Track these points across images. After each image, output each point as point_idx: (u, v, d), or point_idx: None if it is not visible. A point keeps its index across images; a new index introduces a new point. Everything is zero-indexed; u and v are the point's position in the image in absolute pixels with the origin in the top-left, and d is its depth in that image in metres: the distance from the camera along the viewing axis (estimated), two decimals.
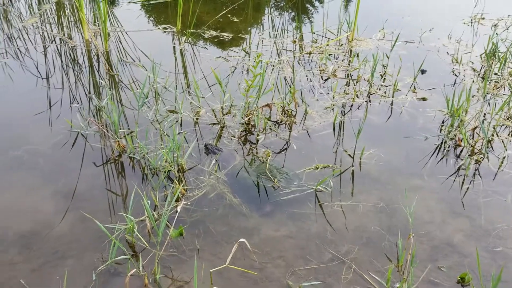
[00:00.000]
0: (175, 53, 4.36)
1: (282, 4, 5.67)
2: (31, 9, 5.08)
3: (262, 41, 4.57)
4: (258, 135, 3.27)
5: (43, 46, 4.35)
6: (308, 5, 5.65)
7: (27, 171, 2.84)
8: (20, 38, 4.46)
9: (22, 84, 3.76)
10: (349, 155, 3.11)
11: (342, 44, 4.55)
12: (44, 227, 2.47)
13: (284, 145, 3.19)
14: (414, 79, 3.98)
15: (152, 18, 5.19)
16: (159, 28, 4.81)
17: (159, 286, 2.19)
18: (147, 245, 2.37)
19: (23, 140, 3.08)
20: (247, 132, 3.30)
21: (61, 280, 2.15)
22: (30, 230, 2.45)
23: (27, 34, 4.54)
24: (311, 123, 3.41)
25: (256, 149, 3.15)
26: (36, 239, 2.40)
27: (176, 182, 2.78)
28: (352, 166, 3.01)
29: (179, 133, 3.18)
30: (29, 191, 2.70)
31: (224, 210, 2.64)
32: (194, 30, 4.66)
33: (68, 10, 5.08)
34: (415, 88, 3.89)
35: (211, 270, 2.22)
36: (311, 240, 2.47)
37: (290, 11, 5.42)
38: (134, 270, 2.18)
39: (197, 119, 3.40)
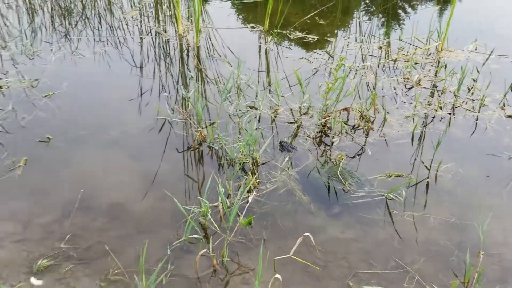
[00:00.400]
0: (260, 52, 4.52)
1: (372, 9, 5.62)
2: (132, 3, 5.50)
3: (348, 45, 4.59)
4: (333, 137, 3.31)
5: (140, 37, 4.71)
6: (399, 11, 5.55)
7: (119, 150, 3.12)
8: (120, 29, 4.86)
9: (118, 71, 4.11)
10: (426, 166, 3.05)
11: (430, 54, 4.43)
12: (129, 202, 2.71)
13: (359, 150, 3.20)
14: (504, 95, 3.78)
15: (241, 17, 5.40)
16: (247, 27, 5.00)
17: (225, 269, 2.34)
18: (218, 229, 2.52)
19: (118, 122, 3.39)
20: (322, 134, 3.35)
21: (140, 250, 2.36)
22: (117, 202, 2.70)
23: (127, 25, 4.93)
24: (389, 130, 3.39)
25: (330, 151, 3.20)
26: (122, 211, 2.64)
27: (250, 174, 2.92)
28: (428, 178, 2.96)
29: (256, 129, 3.31)
30: (119, 168, 2.98)
31: (293, 206, 2.73)
32: (281, 31, 4.78)
33: (165, 5, 5.44)
34: (504, 105, 3.70)
35: (275, 258, 2.32)
36: (377, 246, 2.48)
37: (379, 16, 5.36)
38: (204, 250, 2.34)
39: (275, 116, 3.51)
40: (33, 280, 2.18)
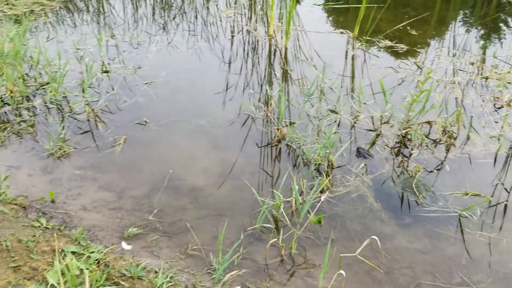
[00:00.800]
0: (346, 57, 4.58)
1: (470, 21, 5.44)
2: (228, 2, 5.81)
3: (438, 57, 4.51)
4: (412, 149, 3.32)
5: (231, 35, 4.98)
6: (501, 25, 5.31)
7: (205, 138, 3.39)
8: (213, 25, 5.17)
9: (208, 65, 4.39)
10: (506, 189, 2.97)
11: None
12: (209, 186, 2.95)
13: (438, 165, 3.18)
14: None
15: (331, 21, 5.48)
16: (336, 32, 5.08)
17: (292, 260, 2.48)
18: (289, 223, 2.68)
19: (205, 113, 3.66)
20: (401, 145, 3.37)
21: (216, 231, 2.58)
22: (199, 186, 2.95)
23: (220, 22, 5.23)
24: (471, 149, 3.32)
25: (407, 162, 3.21)
26: (203, 194, 2.89)
27: (324, 175, 3.03)
28: (507, 201, 2.88)
29: (335, 132, 3.41)
30: (203, 154, 3.23)
31: (363, 211, 2.81)
32: (370, 38, 4.81)
33: (259, 6, 5.67)
34: None
35: (341, 255, 2.43)
36: (444, 260, 2.49)
37: (478, 29, 5.18)
38: (274, 240, 2.51)
39: (354, 122, 3.58)
40: (124, 245, 2.48)
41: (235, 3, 5.72)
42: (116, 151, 3.19)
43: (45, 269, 2.17)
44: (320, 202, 2.74)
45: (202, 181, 2.99)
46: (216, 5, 5.68)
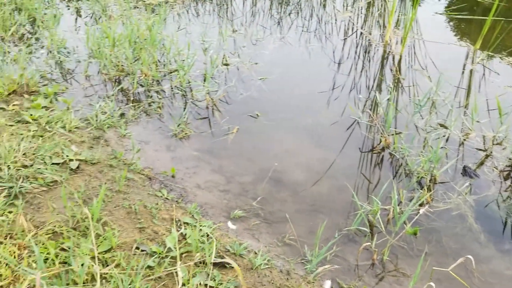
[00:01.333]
0: (463, 71, 4.45)
1: None
2: (345, 3, 5.88)
3: None
4: None
5: (345, 36, 5.07)
6: None
7: (309, 136, 3.57)
8: (327, 24, 5.31)
9: (318, 64, 4.54)
10: None
11: None
12: (309, 183, 3.13)
13: None
14: None
15: (451, 31, 5.31)
16: (456, 43, 4.92)
17: (383, 266, 2.58)
18: (384, 230, 2.76)
19: (311, 111, 3.83)
20: None
21: (313, 225, 2.77)
22: (299, 181, 3.15)
23: (335, 22, 5.35)
24: None
25: None
26: (302, 188, 3.08)
27: (425, 189, 3.05)
28: None
29: (442, 147, 3.38)
30: (306, 151, 3.42)
31: (462, 230, 2.79)
32: (492, 53, 4.60)
33: (377, 10, 5.67)
34: None
35: (433, 268, 2.47)
36: None
37: None
38: (367, 243, 2.62)
39: (464, 140, 3.51)
40: (230, 224, 2.76)
41: (353, 6, 5.78)
42: (229, 139, 3.50)
43: (164, 234, 2.52)
44: (418, 215, 2.78)
45: (302, 177, 3.18)
46: (333, 5, 5.79)
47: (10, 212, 2.48)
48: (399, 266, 2.58)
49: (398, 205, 2.92)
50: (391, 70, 4.51)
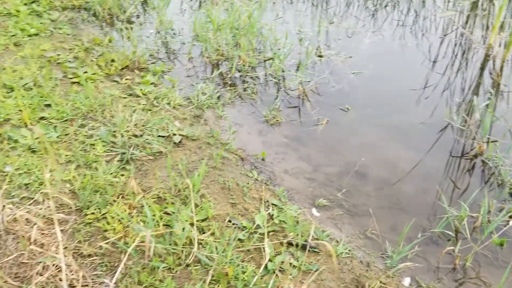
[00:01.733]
0: None
1: None
2: (447, 3, 5.67)
3: None
4: None
5: (443, 34, 4.91)
6: None
7: (397, 133, 3.57)
8: (425, 19, 5.18)
9: (410, 59, 4.46)
10: None
11: None
12: (394, 181, 3.16)
13: None
14: None
15: None
16: None
17: (464, 271, 2.58)
18: (469, 236, 2.74)
19: (401, 109, 3.82)
20: None
21: (395, 223, 2.82)
22: (385, 178, 3.19)
23: (434, 18, 5.20)
24: None
25: None
26: (387, 186, 3.12)
27: None
28: None
29: None
30: (393, 149, 3.43)
31: None
32: None
33: (482, 11, 5.41)
34: None
35: None
36: None
37: None
38: (451, 248, 2.63)
39: None
40: (314, 211, 2.90)
41: (455, 4, 5.56)
42: (318, 129, 3.60)
43: (253, 212, 2.72)
44: (507, 226, 2.73)
45: (388, 174, 3.21)
46: (434, 0, 5.61)
47: (122, 175, 2.81)
48: (481, 274, 2.57)
49: (487, 214, 2.87)
50: (490, 74, 4.33)
